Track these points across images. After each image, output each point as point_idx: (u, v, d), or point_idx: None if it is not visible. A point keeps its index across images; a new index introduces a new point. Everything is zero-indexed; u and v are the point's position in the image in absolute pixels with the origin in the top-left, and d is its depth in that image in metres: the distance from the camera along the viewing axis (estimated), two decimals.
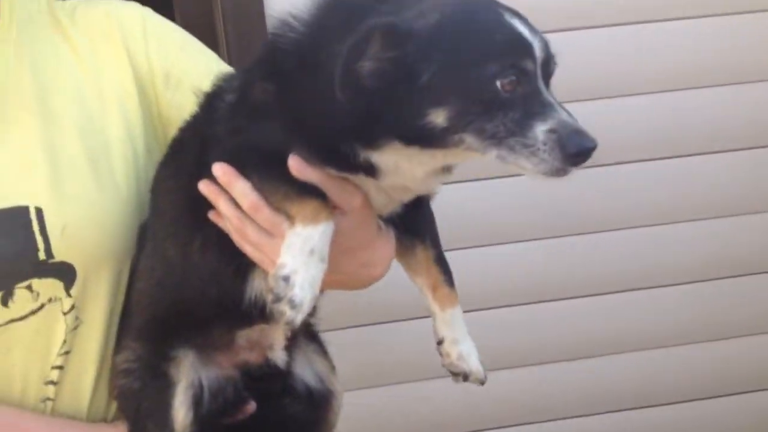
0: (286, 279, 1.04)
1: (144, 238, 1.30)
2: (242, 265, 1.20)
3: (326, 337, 1.49)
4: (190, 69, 1.37)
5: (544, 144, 0.99)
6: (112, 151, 1.30)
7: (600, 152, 1.03)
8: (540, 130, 1.00)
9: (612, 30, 2.26)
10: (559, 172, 1.01)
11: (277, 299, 1.05)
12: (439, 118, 1.01)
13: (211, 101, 1.24)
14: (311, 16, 1.11)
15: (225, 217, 1.15)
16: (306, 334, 1.41)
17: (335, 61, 1.00)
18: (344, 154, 1.08)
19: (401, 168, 1.10)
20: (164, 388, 1.24)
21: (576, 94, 1.96)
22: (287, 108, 1.11)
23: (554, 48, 1.07)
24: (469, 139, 1.02)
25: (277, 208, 1.11)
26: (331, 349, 1.47)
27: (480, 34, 1.03)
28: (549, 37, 1.08)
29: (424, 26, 1.02)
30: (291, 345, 1.36)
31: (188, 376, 1.26)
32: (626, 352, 2.44)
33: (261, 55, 1.19)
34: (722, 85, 2.32)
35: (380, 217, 1.23)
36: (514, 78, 1.00)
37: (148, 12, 1.40)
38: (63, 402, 1.28)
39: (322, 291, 1.14)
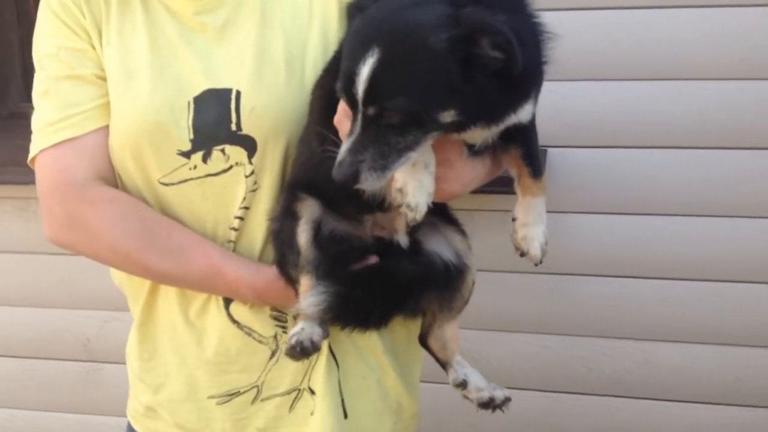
0: (401, 190, 1.28)
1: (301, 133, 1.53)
2: None
3: None
4: None
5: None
6: (307, 57, 1.54)
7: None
8: (344, 145, 1.21)
9: None
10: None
11: (398, 206, 1.29)
12: None
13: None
14: None
15: (337, 113, 1.36)
16: (444, 218, 1.60)
17: None
18: None
19: None
20: (292, 220, 1.48)
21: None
22: None
23: (379, 97, 1.17)
24: None
25: None
26: None
27: (344, 54, 1.24)
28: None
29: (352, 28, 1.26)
30: (429, 227, 1.56)
31: (311, 212, 1.47)
32: None
33: None
34: None
35: (472, 146, 1.37)
36: (346, 101, 1.22)
37: None
38: (241, 245, 1.57)
39: None
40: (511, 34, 1.14)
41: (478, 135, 1.32)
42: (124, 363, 1.78)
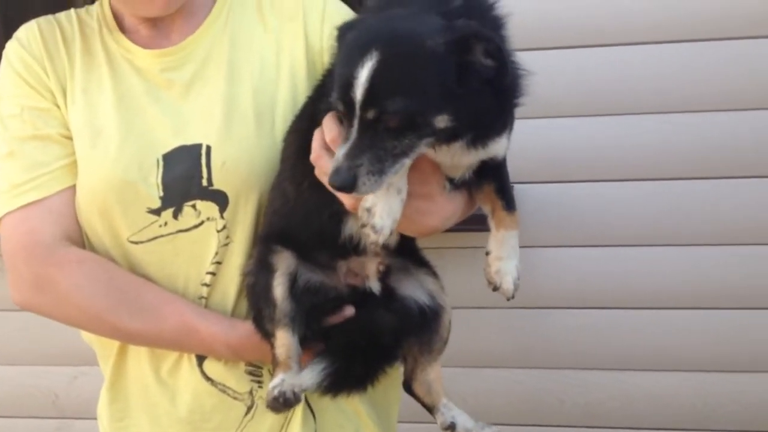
0: (369, 210, 1.27)
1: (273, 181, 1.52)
2: (340, 207, 1.37)
3: None
4: None
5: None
6: (276, 110, 1.55)
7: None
8: (339, 151, 1.21)
9: None
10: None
11: (363, 225, 1.28)
12: None
13: (325, 78, 1.47)
14: None
15: (312, 149, 1.35)
16: (415, 261, 1.60)
17: None
18: None
19: None
20: (268, 273, 1.46)
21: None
22: None
23: (379, 102, 1.17)
24: None
25: None
26: None
27: (340, 62, 1.24)
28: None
29: (347, 39, 1.27)
30: (400, 273, 1.56)
31: (286, 265, 1.46)
32: None
33: None
34: None
35: (451, 180, 1.38)
36: (341, 109, 1.22)
37: None
38: (213, 301, 1.56)
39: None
40: (501, 43, 1.21)
41: (459, 160, 1.32)
42: (95, 418, 1.75)
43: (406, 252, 1.57)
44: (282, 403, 1.42)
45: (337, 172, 1.18)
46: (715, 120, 2.50)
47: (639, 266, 2.61)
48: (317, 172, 1.35)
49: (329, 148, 1.31)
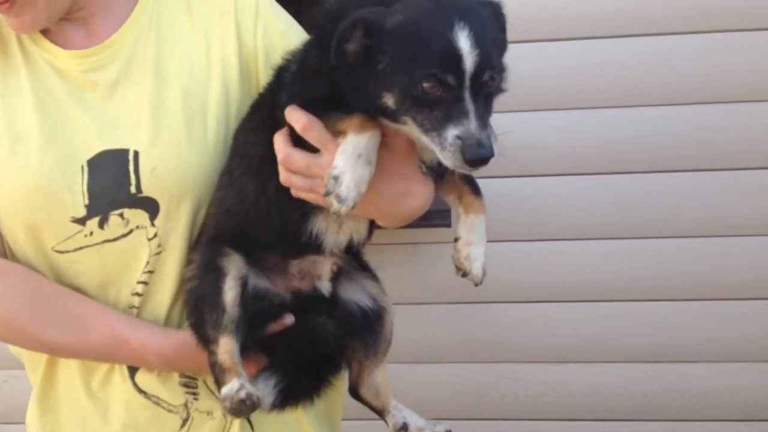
0: (336, 178, 1.23)
1: (222, 179, 1.48)
2: (308, 204, 1.36)
3: None
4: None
5: (451, 145, 1.17)
6: (208, 112, 1.49)
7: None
8: (451, 133, 1.17)
9: None
10: (461, 168, 1.20)
11: (327, 193, 1.23)
12: (389, 101, 1.21)
13: (280, 73, 1.44)
14: None
15: (276, 150, 1.32)
16: (357, 266, 1.58)
17: (332, 39, 1.22)
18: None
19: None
20: (216, 277, 1.41)
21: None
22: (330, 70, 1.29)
23: (491, 62, 1.19)
24: (410, 122, 1.22)
25: (330, 131, 1.27)
26: None
27: (422, 40, 1.19)
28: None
29: (389, 24, 1.21)
30: (343, 276, 1.54)
31: (237, 268, 1.41)
32: None
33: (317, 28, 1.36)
34: None
35: (423, 162, 1.37)
36: (434, 84, 1.17)
37: None
38: (146, 311, 1.50)
39: (371, 217, 1.38)
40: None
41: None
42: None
43: (352, 254, 1.55)
44: (249, 407, 1.35)
45: (481, 145, 1.16)
46: (664, 114, 2.53)
47: (578, 261, 2.63)
48: (286, 174, 1.32)
49: (296, 143, 1.30)
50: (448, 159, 1.19)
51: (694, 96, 2.59)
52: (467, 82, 1.18)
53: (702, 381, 2.72)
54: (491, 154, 1.17)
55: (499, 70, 1.23)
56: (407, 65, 1.19)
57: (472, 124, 1.17)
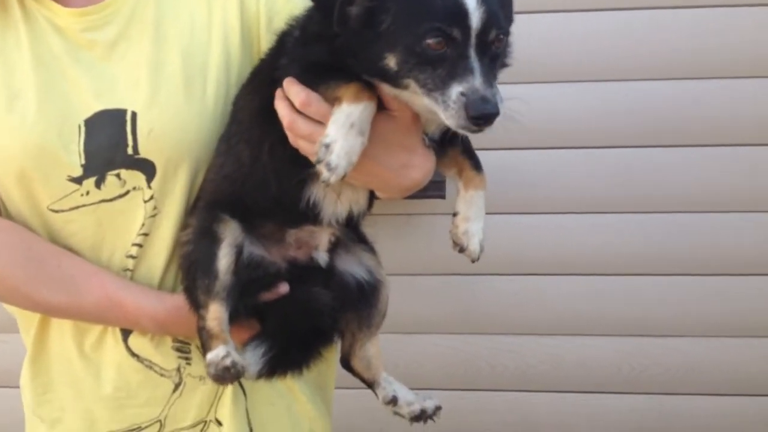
0: (327, 146, 1.21)
1: (220, 145, 1.47)
2: (303, 170, 1.34)
3: None
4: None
5: (455, 103, 1.15)
6: (208, 74, 1.47)
7: None
8: (455, 90, 1.15)
9: None
10: (465, 128, 1.17)
11: (318, 161, 1.22)
12: (391, 62, 1.19)
13: (282, 38, 1.42)
14: None
15: (280, 117, 1.30)
16: (355, 238, 1.57)
17: (335, 4, 1.21)
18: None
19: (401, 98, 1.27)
20: (211, 242, 1.40)
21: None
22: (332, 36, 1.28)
23: (498, 20, 1.18)
24: (413, 84, 1.19)
25: (327, 98, 1.25)
26: None
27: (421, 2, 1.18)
28: None
29: None
30: (340, 248, 1.53)
31: (233, 235, 1.41)
32: None
33: None
34: None
35: (425, 134, 1.36)
36: (440, 39, 1.14)
37: None
38: (139, 274, 1.49)
39: (371, 188, 1.37)
40: None
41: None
42: (14, 387, 1.67)
43: (350, 226, 1.53)
44: (233, 375, 1.35)
45: (486, 101, 1.13)
46: (658, 88, 2.53)
47: (569, 234, 2.64)
48: (293, 137, 1.30)
49: (300, 111, 1.27)
50: (452, 118, 1.16)
51: (685, 70, 2.58)
52: (473, 39, 1.16)
53: (687, 355, 2.74)
54: (496, 111, 1.14)
55: (506, 31, 1.21)
56: (411, 21, 1.17)
57: (477, 80, 1.15)
